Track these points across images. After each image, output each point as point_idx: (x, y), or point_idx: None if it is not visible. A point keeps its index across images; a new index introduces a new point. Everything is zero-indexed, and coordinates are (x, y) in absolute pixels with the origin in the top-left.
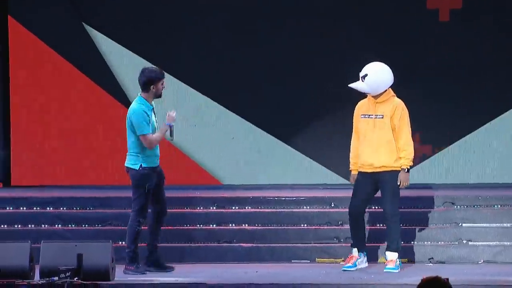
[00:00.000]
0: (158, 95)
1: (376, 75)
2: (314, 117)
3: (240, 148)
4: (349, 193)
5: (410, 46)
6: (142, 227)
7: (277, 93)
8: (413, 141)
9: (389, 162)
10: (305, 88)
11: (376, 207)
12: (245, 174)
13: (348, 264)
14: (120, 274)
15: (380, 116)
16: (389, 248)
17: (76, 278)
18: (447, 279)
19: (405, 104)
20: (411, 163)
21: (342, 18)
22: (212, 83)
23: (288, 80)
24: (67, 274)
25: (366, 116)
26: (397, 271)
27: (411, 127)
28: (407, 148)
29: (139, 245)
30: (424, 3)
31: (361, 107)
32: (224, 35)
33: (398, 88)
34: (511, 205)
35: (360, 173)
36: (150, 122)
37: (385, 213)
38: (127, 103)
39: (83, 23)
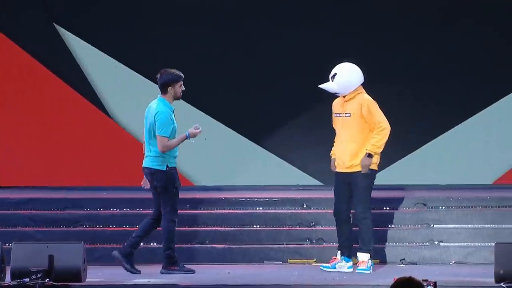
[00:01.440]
0: (177, 97)
1: (345, 75)
2: (287, 118)
3: (212, 149)
4: (321, 194)
5: (384, 47)
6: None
7: (249, 95)
8: (386, 141)
9: (357, 162)
10: (277, 90)
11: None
12: (217, 175)
13: (326, 264)
14: (91, 275)
15: (348, 115)
16: (361, 249)
17: (48, 279)
18: (434, 283)
19: (378, 104)
20: (378, 150)
21: (316, 20)
22: (185, 85)
23: (261, 82)
24: (39, 275)
25: (337, 114)
26: (369, 272)
27: None
28: (377, 136)
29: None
30: (401, 5)
31: (335, 105)
32: (198, 37)
33: (371, 88)
34: (482, 206)
35: (336, 173)
36: (173, 125)
37: (356, 215)
38: (99, 104)
39: (54, 24)
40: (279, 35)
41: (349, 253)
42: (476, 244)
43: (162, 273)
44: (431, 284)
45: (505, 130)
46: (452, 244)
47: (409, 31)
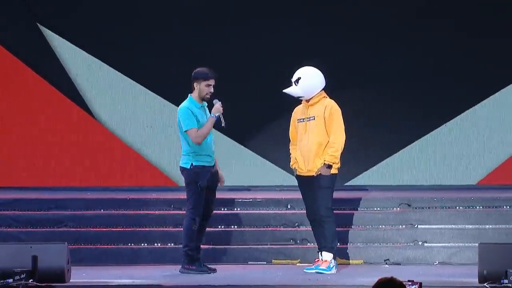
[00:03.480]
0: (202, 97)
1: (309, 79)
2: (270, 118)
3: None
4: None
5: (367, 48)
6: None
7: (233, 94)
8: (371, 142)
9: (319, 165)
10: (260, 89)
11: (344, 209)
12: None
13: (310, 266)
14: (75, 276)
15: (312, 118)
16: (324, 248)
17: (31, 280)
18: (420, 283)
19: (360, 105)
20: (336, 161)
21: (300, 21)
22: (168, 84)
23: (244, 81)
24: (22, 276)
25: (301, 120)
26: (329, 272)
27: (370, 128)
28: (334, 146)
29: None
30: (382, 5)
31: (297, 111)
32: (179, 35)
33: (354, 90)
34: (466, 207)
35: (298, 177)
36: (196, 119)
37: (319, 214)
38: (82, 104)
39: (38, 24)
40: (263, 35)
41: None
42: (460, 244)
43: (180, 272)
44: (417, 284)
45: (489, 130)
46: (436, 244)
47: (390, 31)
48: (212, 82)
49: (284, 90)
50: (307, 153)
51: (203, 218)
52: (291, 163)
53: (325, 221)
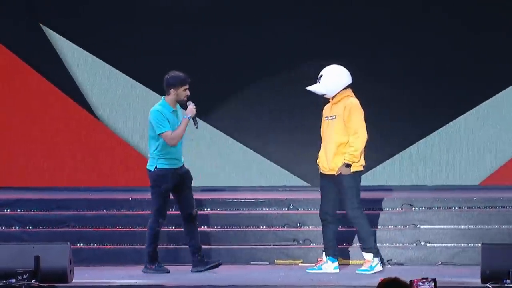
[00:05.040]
0: (181, 101)
1: (331, 76)
2: (273, 119)
3: (198, 150)
4: (307, 195)
5: (369, 48)
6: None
7: (236, 95)
8: (373, 142)
9: (339, 164)
10: (264, 90)
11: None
12: (203, 176)
13: (312, 266)
14: (78, 276)
15: (333, 117)
16: (363, 249)
17: (34, 280)
18: (434, 280)
19: (362, 106)
20: (355, 159)
21: (303, 22)
22: None
23: (247, 82)
24: (25, 276)
25: (326, 118)
26: (370, 272)
27: (373, 128)
28: (353, 145)
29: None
30: (385, 5)
31: (325, 110)
32: (185, 39)
33: (354, 90)
34: (468, 207)
35: (321, 175)
36: (169, 122)
37: (347, 216)
38: (84, 104)
39: (40, 24)
40: (265, 36)
41: (334, 253)
42: (462, 244)
43: (143, 271)
44: (431, 282)
45: (492, 130)
46: (438, 244)
47: (393, 31)
48: (187, 86)
49: (307, 88)
50: (328, 151)
51: (185, 219)
52: (317, 160)
53: (354, 222)
